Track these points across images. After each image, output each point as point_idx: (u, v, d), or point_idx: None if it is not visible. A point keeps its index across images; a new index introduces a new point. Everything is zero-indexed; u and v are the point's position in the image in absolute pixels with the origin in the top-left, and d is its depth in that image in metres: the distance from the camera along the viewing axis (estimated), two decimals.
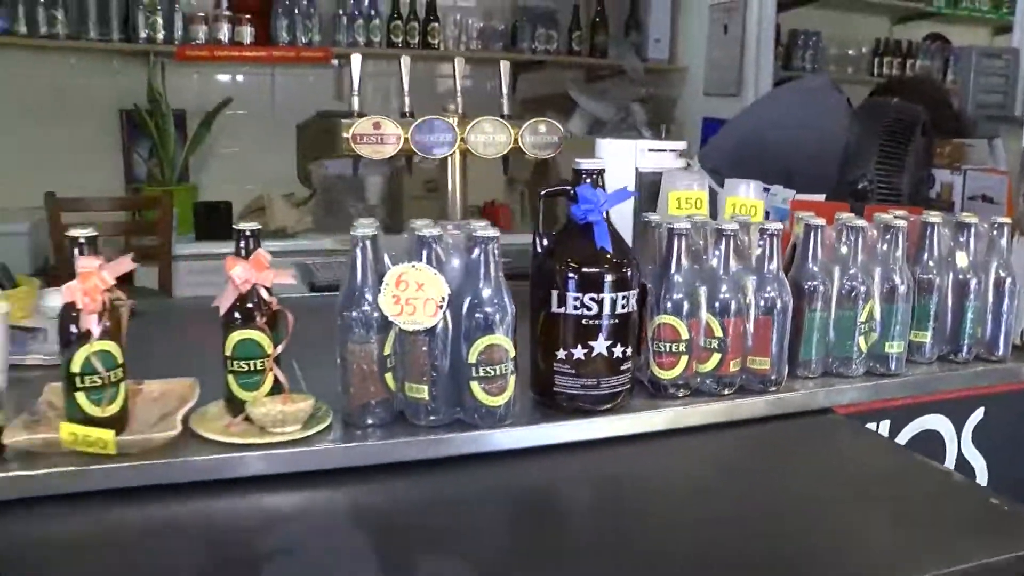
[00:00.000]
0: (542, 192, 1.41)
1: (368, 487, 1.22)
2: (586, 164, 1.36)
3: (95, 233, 1.16)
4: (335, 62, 4.36)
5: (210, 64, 4.17)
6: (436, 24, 4.34)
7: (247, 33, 4.05)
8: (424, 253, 1.26)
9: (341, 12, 4.22)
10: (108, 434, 1.11)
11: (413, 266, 1.25)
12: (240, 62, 4.16)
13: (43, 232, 3.76)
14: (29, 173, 3.87)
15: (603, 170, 1.37)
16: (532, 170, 4.17)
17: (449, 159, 2.15)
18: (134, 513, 1.13)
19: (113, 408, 1.16)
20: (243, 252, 1.24)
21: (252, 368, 1.24)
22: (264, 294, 1.24)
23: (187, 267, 3.67)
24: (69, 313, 1.14)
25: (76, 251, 1.14)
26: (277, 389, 1.25)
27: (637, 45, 4.80)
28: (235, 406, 1.24)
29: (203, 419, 1.25)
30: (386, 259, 1.29)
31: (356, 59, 2.19)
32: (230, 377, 1.24)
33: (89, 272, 1.13)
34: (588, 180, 1.35)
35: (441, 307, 1.24)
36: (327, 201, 4.02)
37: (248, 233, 1.25)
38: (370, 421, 1.28)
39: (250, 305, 1.23)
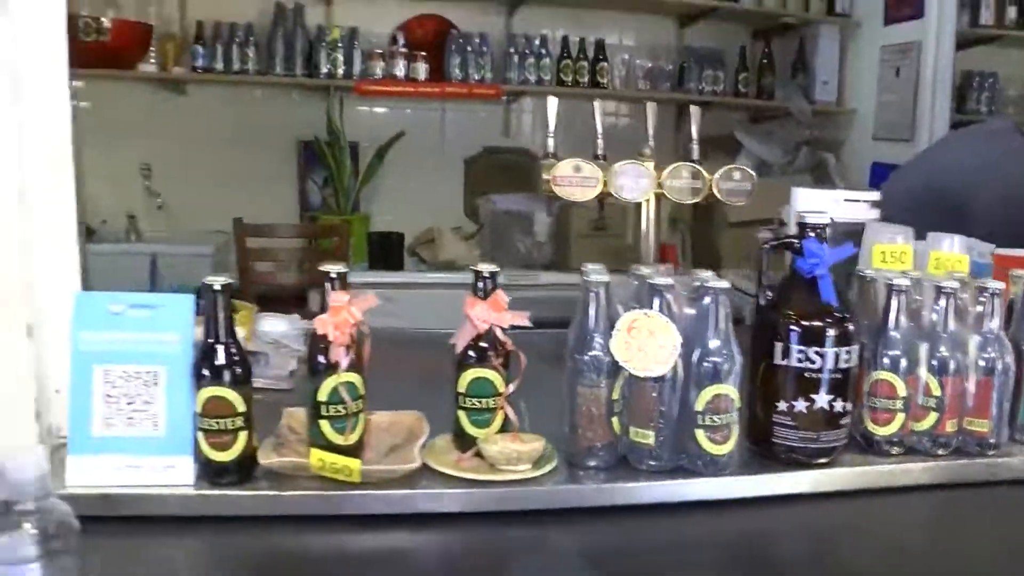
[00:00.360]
0: (767, 244, 1.41)
1: (589, 528, 1.24)
2: (812, 218, 1.36)
3: (346, 269, 1.22)
4: (504, 99, 4.46)
5: (385, 98, 4.31)
6: (604, 64, 4.39)
7: (422, 69, 4.18)
8: (656, 301, 1.28)
9: (512, 51, 4.31)
10: (354, 463, 1.16)
11: (645, 314, 1.27)
12: (414, 97, 4.28)
13: (225, 254, 3.96)
14: (214, 198, 4.09)
15: (828, 224, 1.37)
16: (693, 210, 4.16)
17: (644, 203, 2.16)
18: (367, 539, 1.18)
19: (354, 437, 1.22)
20: (481, 292, 1.28)
21: (484, 406, 1.28)
22: (499, 334, 1.27)
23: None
24: (318, 344, 1.20)
25: (328, 285, 1.20)
26: (507, 427, 1.29)
27: (804, 87, 4.75)
28: (465, 441, 1.28)
29: (432, 452, 1.29)
30: (618, 306, 1.31)
31: (552, 102, 2.23)
32: (461, 413, 1.29)
33: (340, 306, 1.19)
34: (813, 234, 1.35)
35: (673, 355, 1.25)
36: (494, 235, 4.10)
37: (487, 275, 1.29)
38: (593, 463, 1.30)
39: (486, 344, 1.27)
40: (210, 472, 1.18)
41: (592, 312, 1.30)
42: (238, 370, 1.17)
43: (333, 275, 1.21)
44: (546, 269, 4.06)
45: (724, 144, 4.57)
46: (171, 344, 1.18)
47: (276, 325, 1.87)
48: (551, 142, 2.28)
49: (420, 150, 4.38)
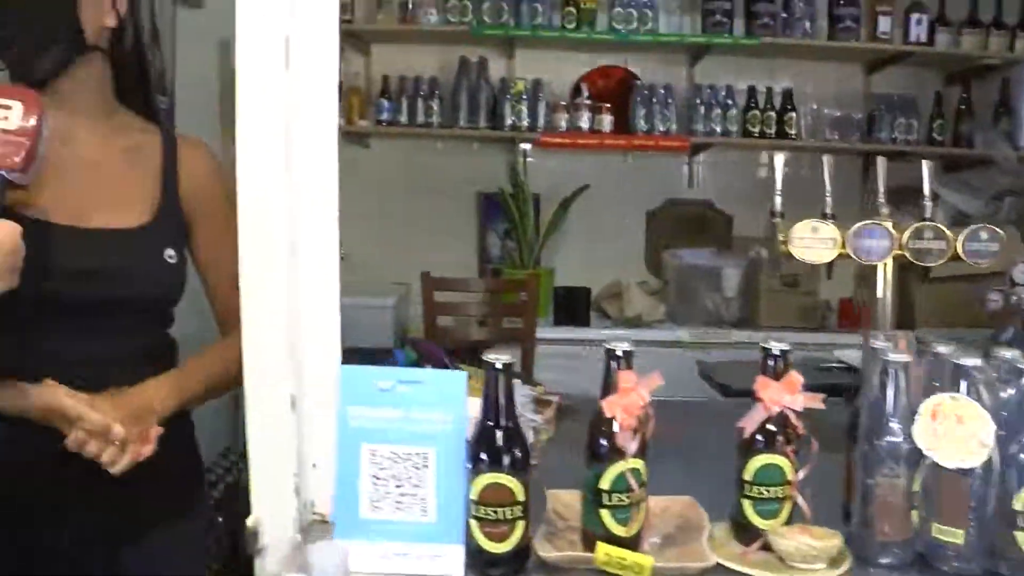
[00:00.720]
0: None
1: None
2: None
3: (631, 348, 1.11)
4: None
5: (567, 150, 4.24)
6: (793, 114, 4.22)
7: (606, 121, 4.10)
8: (964, 384, 1.14)
9: (698, 102, 4.19)
10: (646, 560, 1.05)
11: (952, 397, 1.12)
12: (597, 149, 4.20)
13: (404, 307, 3.94)
14: (395, 250, 4.10)
15: None
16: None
17: (880, 266, 2.00)
18: None
19: (635, 527, 1.11)
20: (772, 371, 1.16)
21: (772, 495, 1.15)
22: (792, 417, 1.14)
23: (543, 351, 3.70)
24: (601, 426, 1.10)
25: (614, 364, 1.10)
26: (795, 518, 1.16)
27: (1008, 133, 4.46)
28: (749, 533, 1.16)
29: (710, 542, 1.16)
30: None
31: (779, 159, 2.10)
32: (746, 502, 1.16)
33: (629, 388, 1.08)
34: None
35: (986, 445, 1.10)
36: (681, 290, 3.96)
37: (777, 352, 1.17)
38: (887, 560, 1.16)
39: (775, 428, 1.14)
40: (482, 563, 1.09)
41: (890, 394, 1.17)
42: (518, 454, 1.07)
43: (619, 353, 1.11)
44: (734, 326, 3.90)
45: (916, 195, 4.32)
46: (442, 424, 1.10)
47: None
48: (779, 200, 2.14)
49: (601, 202, 4.29)
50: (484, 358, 1.06)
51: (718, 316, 3.90)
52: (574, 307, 3.83)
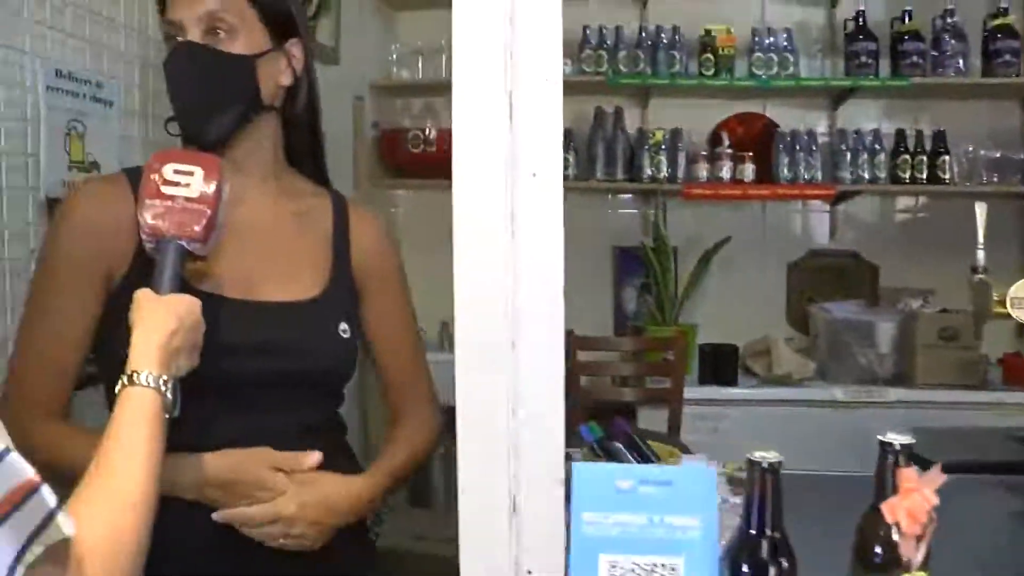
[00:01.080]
0: None
1: None
2: None
3: (911, 440, 0.96)
4: None
5: (706, 201, 4.09)
6: (946, 156, 3.99)
7: (749, 170, 3.94)
8: None
9: (843, 147, 4.00)
10: None
11: None
12: (741, 200, 4.04)
13: None
14: None
15: None
16: None
17: None
18: None
19: None
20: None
21: None
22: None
23: (687, 411, 3.53)
24: (878, 531, 0.94)
25: (890, 459, 0.95)
26: None
27: None
28: None
29: None
30: None
31: (981, 208, 1.93)
32: None
33: (911, 488, 0.93)
34: None
35: None
36: (831, 346, 3.75)
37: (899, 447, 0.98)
38: None
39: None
40: None
41: None
42: (784, 565, 0.93)
43: (897, 447, 0.96)
44: (889, 384, 3.66)
45: None
46: (691, 530, 0.96)
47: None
48: (981, 255, 1.97)
49: (739, 253, 4.10)
50: (749, 457, 0.92)
51: (872, 373, 3.68)
52: (720, 365, 3.65)
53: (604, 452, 1.59)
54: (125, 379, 1.08)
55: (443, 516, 3.42)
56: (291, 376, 1.39)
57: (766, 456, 0.92)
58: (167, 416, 1.09)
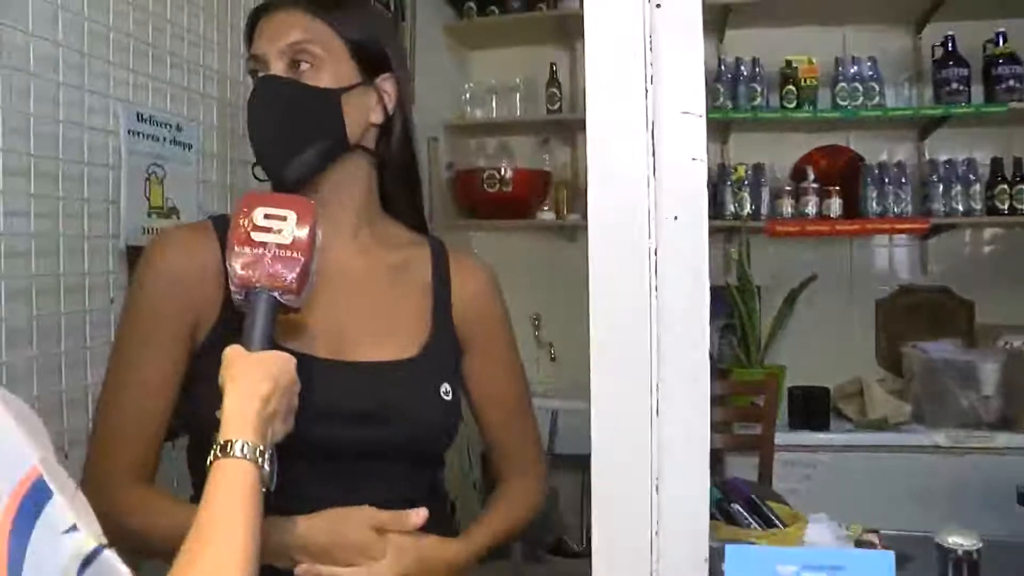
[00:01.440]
0: None
1: None
2: None
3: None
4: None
5: (792, 238, 3.93)
6: None
7: (835, 205, 3.79)
8: None
9: (934, 178, 3.82)
10: None
11: None
12: (829, 236, 3.88)
13: None
14: None
15: None
16: None
17: None
18: None
19: None
20: None
21: None
22: None
23: (777, 457, 3.36)
24: None
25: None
26: None
27: None
28: None
29: None
30: None
31: None
32: None
33: None
34: None
35: None
36: (928, 388, 3.56)
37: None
38: None
39: None
40: None
41: None
42: None
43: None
44: (994, 428, 3.46)
45: None
46: None
47: (821, 534, 1.50)
48: None
49: (825, 291, 3.93)
50: (939, 542, 0.79)
51: (975, 417, 3.47)
52: (811, 409, 3.49)
53: (724, 516, 1.46)
54: (218, 449, 0.98)
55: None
56: (389, 445, 1.28)
57: (961, 542, 0.79)
58: (264, 490, 0.99)
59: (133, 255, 1.74)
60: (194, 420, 1.28)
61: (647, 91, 0.87)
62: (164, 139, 1.90)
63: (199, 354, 1.26)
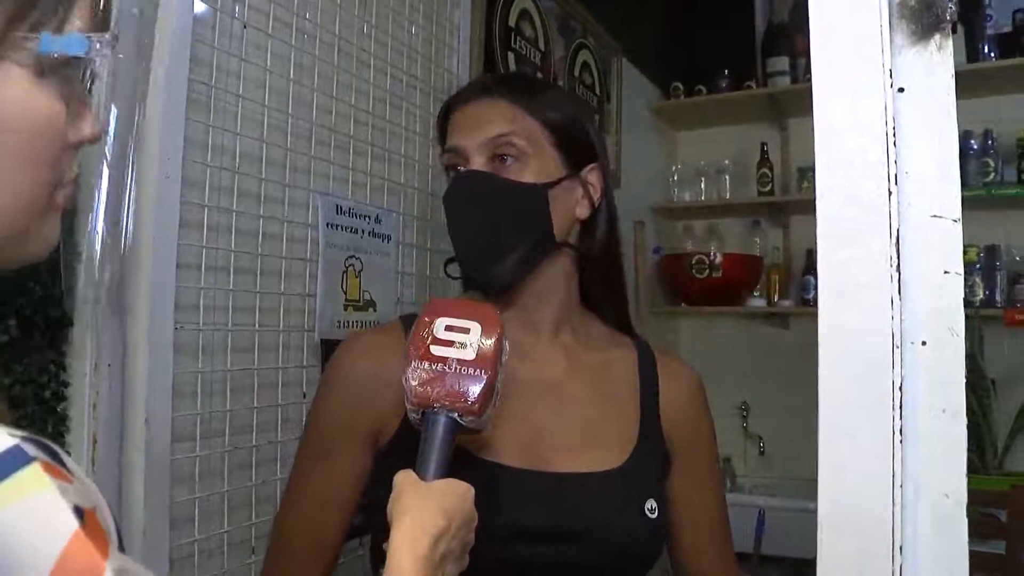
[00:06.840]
0: None
1: None
2: None
3: None
4: None
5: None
6: None
7: None
8: None
9: None
10: None
11: None
12: None
13: None
14: (815, 443, 3.59)
15: None
16: None
17: None
18: None
19: None
20: None
21: None
22: None
23: None
24: None
25: None
26: None
27: None
28: None
29: None
30: None
31: None
32: None
33: None
34: None
35: None
36: None
37: None
38: None
39: None
40: None
41: None
42: None
43: None
44: None
45: None
46: None
47: None
48: None
49: None
50: None
51: None
52: None
53: None
54: None
55: None
56: (587, 567, 1.16)
57: None
58: None
59: (327, 349, 1.72)
60: (374, 522, 1.20)
61: (890, 192, 0.74)
62: (362, 231, 1.88)
63: (381, 456, 1.20)
